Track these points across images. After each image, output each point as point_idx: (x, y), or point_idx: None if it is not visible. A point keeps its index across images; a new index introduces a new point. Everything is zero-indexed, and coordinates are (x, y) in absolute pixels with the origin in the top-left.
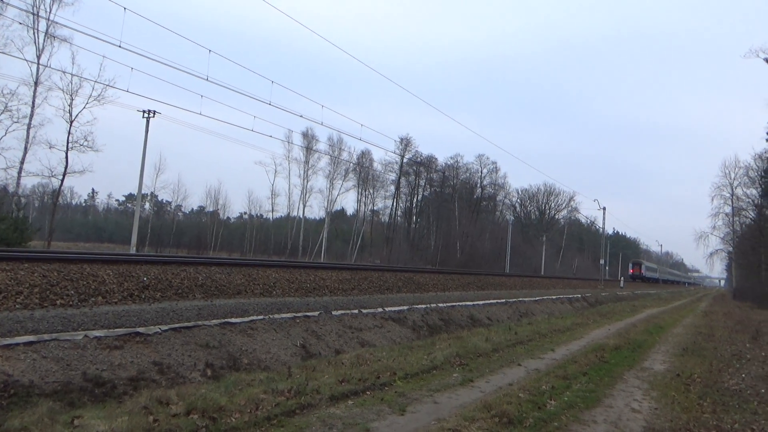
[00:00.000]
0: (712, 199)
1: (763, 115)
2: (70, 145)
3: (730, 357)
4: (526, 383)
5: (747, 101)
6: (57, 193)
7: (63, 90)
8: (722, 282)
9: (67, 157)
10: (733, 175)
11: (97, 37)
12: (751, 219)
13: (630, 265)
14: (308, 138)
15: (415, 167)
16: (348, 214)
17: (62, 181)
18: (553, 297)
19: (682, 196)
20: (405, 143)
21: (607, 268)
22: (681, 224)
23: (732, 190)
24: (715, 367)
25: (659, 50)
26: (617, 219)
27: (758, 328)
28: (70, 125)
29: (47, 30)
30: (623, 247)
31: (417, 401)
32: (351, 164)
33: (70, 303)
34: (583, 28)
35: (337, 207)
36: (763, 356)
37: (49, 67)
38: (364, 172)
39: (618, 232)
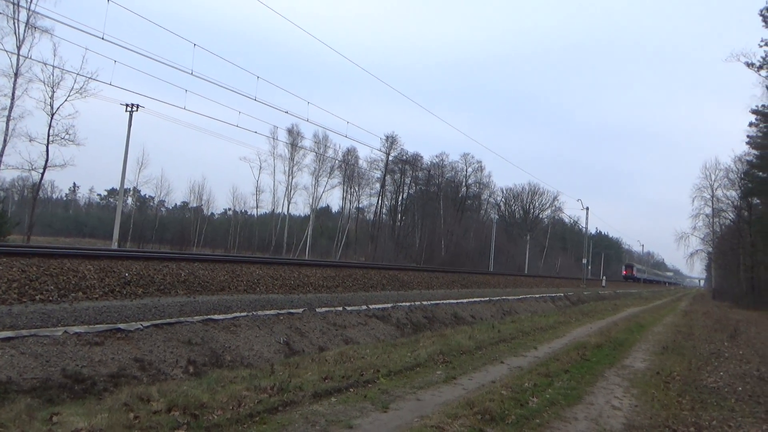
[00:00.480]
0: (693, 201)
1: (744, 118)
2: (50, 138)
3: (709, 355)
4: (508, 381)
5: (728, 104)
6: (37, 186)
7: (44, 82)
8: (702, 282)
9: (47, 151)
10: (713, 177)
11: (79, 29)
12: (730, 220)
13: (623, 267)
14: (294, 134)
15: (401, 165)
16: (333, 211)
17: (42, 174)
18: (537, 295)
19: (664, 197)
20: (391, 141)
21: (589, 267)
22: (662, 225)
23: (712, 191)
24: (694, 365)
25: (642, 54)
26: (600, 219)
27: (736, 327)
28: (51, 118)
29: (28, 20)
30: (605, 247)
31: (400, 398)
32: (336, 161)
33: (50, 298)
34: (569, 32)
35: (322, 204)
36: (741, 354)
37: (30, 58)
38: (349, 170)
39: (600, 232)
